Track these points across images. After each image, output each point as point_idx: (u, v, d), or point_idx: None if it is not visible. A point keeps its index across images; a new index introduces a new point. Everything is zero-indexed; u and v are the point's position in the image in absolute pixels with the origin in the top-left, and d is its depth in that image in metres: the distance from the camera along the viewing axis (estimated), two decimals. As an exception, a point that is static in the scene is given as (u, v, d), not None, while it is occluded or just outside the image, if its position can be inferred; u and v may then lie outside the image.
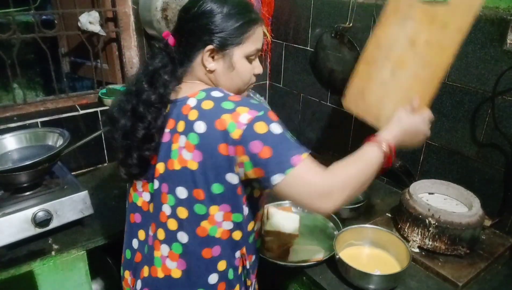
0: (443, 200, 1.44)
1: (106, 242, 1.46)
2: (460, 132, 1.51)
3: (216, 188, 0.94)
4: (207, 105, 0.93)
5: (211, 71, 1.00)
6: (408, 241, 1.36)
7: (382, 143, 0.98)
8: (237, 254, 1.03)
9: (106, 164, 1.98)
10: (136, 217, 1.09)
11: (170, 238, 1.00)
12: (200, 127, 0.92)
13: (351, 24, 1.78)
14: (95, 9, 1.87)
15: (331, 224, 1.50)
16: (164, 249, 1.01)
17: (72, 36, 2.03)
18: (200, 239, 0.98)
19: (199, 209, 0.96)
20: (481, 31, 1.37)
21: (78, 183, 1.50)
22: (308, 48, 2.04)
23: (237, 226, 1.00)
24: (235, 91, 1.03)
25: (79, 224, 1.47)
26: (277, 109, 2.37)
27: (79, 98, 1.95)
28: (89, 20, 1.82)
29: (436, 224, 1.28)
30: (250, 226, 1.04)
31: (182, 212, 0.97)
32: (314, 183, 0.88)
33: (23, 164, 1.32)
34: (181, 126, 0.95)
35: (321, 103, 2.07)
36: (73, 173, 1.71)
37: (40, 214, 1.34)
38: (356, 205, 1.55)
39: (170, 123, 0.97)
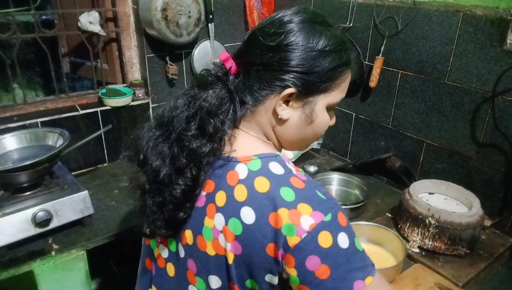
0: (443, 200, 1.44)
1: (106, 242, 1.46)
2: (460, 132, 1.51)
3: (249, 283, 0.76)
4: (262, 186, 0.72)
5: (282, 121, 0.78)
6: (408, 241, 1.36)
7: None
8: None
9: (106, 164, 1.98)
10: (152, 266, 0.93)
11: None
12: (248, 215, 0.71)
13: (351, 24, 1.78)
14: (95, 9, 1.87)
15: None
16: None
17: (72, 36, 2.03)
18: None
19: None
20: (481, 31, 1.37)
21: (78, 183, 1.50)
22: (308, 48, 2.04)
23: None
24: (298, 148, 0.86)
25: (79, 224, 1.47)
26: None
27: (79, 98, 1.95)
28: (89, 20, 1.82)
29: (436, 224, 1.28)
30: None
31: None
32: None
33: (23, 164, 1.32)
34: (221, 198, 0.75)
35: (321, 103, 2.07)
36: (73, 173, 1.71)
37: (40, 214, 1.34)
38: (356, 205, 1.55)
39: (209, 184, 0.77)
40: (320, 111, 0.79)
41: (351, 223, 0.74)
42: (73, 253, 1.39)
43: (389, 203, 1.64)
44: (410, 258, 1.31)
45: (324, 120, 0.81)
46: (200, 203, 0.78)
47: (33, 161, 1.33)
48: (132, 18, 1.96)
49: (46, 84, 2.90)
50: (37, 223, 1.34)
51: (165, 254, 0.88)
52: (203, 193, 0.78)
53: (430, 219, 1.29)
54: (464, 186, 1.44)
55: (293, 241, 0.68)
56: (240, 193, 0.73)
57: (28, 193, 1.41)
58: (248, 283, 0.76)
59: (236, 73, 0.79)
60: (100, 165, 1.96)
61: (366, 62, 1.77)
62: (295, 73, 0.73)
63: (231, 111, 0.77)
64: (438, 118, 1.57)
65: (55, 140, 1.54)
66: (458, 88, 1.49)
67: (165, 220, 0.78)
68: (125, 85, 2.05)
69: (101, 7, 1.91)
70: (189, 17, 1.87)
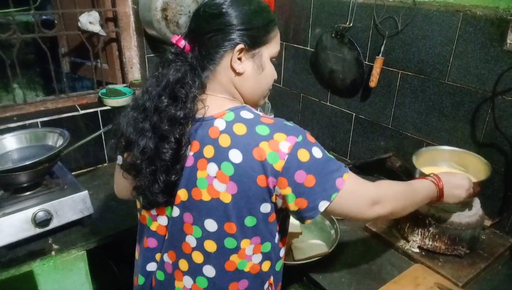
0: (443, 200, 1.44)
1: (106, 242, 1.46)
2: (460, 132, 1.51)
3: (249, 221, 0.88)
4: (240, 129, 0.85)
5: (239, 74, 0.90)
6: (408, 241, 1.36)
7: (431, 177, 1.09)
8: (266, 285, 0.98)
9: (106, 164, 1.98)
10: (150, 242, 1.01)
11: (195, 270, 0.94)
12: (236, 156, 0.83)
13: (351, 24, 1.78)
14: (95, 9, 1.87)
15: (327, 222, 1.51)
16: (187, 281, 0.95)
17: (72, 36, 2.03)
18: (228, 273, 0.92)
19: (229, 243, 0.90)
20: (481, 31, 1.37)
21: (78, 183, 1.50)
22: (308, 48, 2.04)
23: (266, 256, 0.94)
24: (257, 98, 0.97)
25: (79, 224, 1.47)
26: (277, 109, 2.37)
27: (79, 98, 1.95)
28: (89, 20, 1.82)
29: (436, 224, 1.28)
30: (279, 253, 0.99)
31: (211, 246, 0.91)
32: (364, 193, 0.91)
33: (23, 164, 1.32)
34: (209, 151, 0.86)
35: (321, 103, 2.07)
36: (73, 173, 1.71)
37: (40, 214, 1.34)
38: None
39: (194, 145, 0.88)
40: (267, 61, 0.93)
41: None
42: (73, 253, 1.39)
43: (389, 203, 1.64)
44: (410, 258, 1.31)
45: (270, 69, 0.95)
46: (189, 163, 0.89)
47: (33, 161, 1.34)
48: (132, 18, 1.96)
49: (46, 84, 2.90)
50: (37, 223, 1.34)
51: (164, 221, 0.97)
52: (191, 154, 0.89)
53: (430, 219, 1.29)
54: (464, 186, 1.44)
55: (279, 165, 0.82)
56: (225, 140, 0.85)
57: (28, 193, 1.41)
58: (247, 220, 0.88)
59: (190, 49, 0.90)
60: (100, 165, 1.96)
61: (366, 62, 1.77)
62: (240, 31, 0.87)
63: (195, 78, 0.88)
64: (438, 118, 1.57)
65: (55, 140, 1.54)
66: (458, 88, 1.48)
67: (160, 187, 0.88)
68: (125, 85, 2.05)
69: (101, 7, 1.92)
70: (189, 17, 1.86)
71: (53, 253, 1.35)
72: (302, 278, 1.28)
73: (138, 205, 1.04)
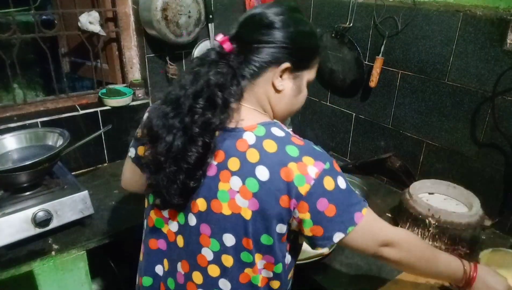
0: (443, 200, 1.45)
1: (106, 242, 1.46)
2: (460, 132, 1.51)
3: (265, 239, 0.86)
4: (270, 147, 0.83)
5: (278, 91, 0.89)
6: (408, 241, 1.36)
7: (467, 262, 1.01)
8: None
9: (106, 164, 1.98)
10: (160, 244, 0.98)
11: (211, 284, 0.92)
12: (263, 173, 0.81)
13: (351, 24, 1.78)
14: (95, 9, 1.87)
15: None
16: None
17: (72, 36, 2.03)
18: (241, 285, 0.91)
19: (245, 257, 0.88)
20: (481, 31, 1.37)
21: (78, 183, 1.50)
22: (308, 48, 2.04)
23: (276, 276, 0.91)
24: (286, 117, 0.97)
25: (79, 224, 1.47)
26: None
27: (79, 98, 1.95)
28: (89, 20, 1.82)
29: (436, 224, 1.28)
30: (289, 275, 0.97)
31: (228, 260, 0.89)
32: (378, 232, 0.89)
33: (23, 164, 1.32)
34: (234, 164, 0.84)
35: (321, 103, 2.07)
36: (73, 173, 1.71)
37: (40, 214, 1.34)
38: (356, 205, 1.55)
39: (219, 155, 0.85)
40: (305, 85, 0.94)
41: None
42: (73, 253, 1.39)
43: (389, 203, 1.64)
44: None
45: (305, 93, 0.96)
46: (211, 172, 0.86)
47: (33, 161, 1.33)
48: (132, 18, 1.96)
49: (46, 84, 2.89)
50: (37, 223, 1.34)
51: (174, 227, 0.94)
52: (214, 163, 0.86)
53: (430, 219, 1.29)
54: (464, 186, 1.44)
55: (304, 189, 0.81)
56: (253, 155, 0.83)
57: (28, 193, 1.41)
58: (263, 238, 0.86)
59: (235, 52, 0.87)
60: (100, 165, 1.96)
61: (366, 62, 1.77)
62: (290, 50, 0.86)
63: (235, 86, 0.86)
64: (438, 118, 1.57)
65: (55, 140, 1.54)
66: (458, 88, 1.49)
67: (178, 189, 0.85)
68: (125, 85, 2.05)
69: (101, 7, 1.91)
70: (189, 17, 1.87)
71: (53, 253, 1.35)
72: (302, 278, 1.28)
73: (146, 204, 1.02)
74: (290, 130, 0.89)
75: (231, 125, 0.86)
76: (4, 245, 1.30)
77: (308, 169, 0.81)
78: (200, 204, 0.88)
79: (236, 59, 0.86)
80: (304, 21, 0.90)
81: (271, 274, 0.91)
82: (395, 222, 1.46)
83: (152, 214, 0.98)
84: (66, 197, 1.40)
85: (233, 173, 0.84)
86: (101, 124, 1.89)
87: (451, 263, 1.00)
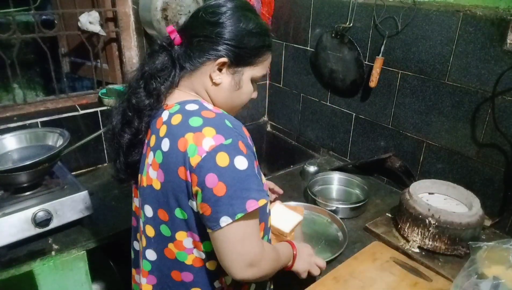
0: (443, 200, 1.44)
1: (106, 242, 1.46)
2: (460, 132, 1.51)
3: (178, 213, 0.88)
4: (176, 119, 0.87)
5: (216, 84, 0.92)
6: (408, 241, 1.36)
7: (288, 244, 1.10)
8: (216, 284, 0.96)
9: (106, 164, 1.98)
10: (133, 221, 1.09)
11: (142, 253, 0.99)
12: (166, 145, 0.86)
13: (351, 24, 1.78)
14: (95, 9, 1.87)
15: (334, 225, 1.50)
16: (141, 263, 1.01)
17: (72, 36, 2.03)
18: (168, 260, 0.94)
19: (164, 230, 0.92)
20: (481, 31, 1.37)
21: (78, 183, 1.50)
22: (308, 48, 2.04)
23: (210, 255, 0.91)
24: (228, 110, 0.96)
25: (79, 224, 1.47)
26: (277, 109, 2.37)
27: (79, 98, 1.95)
28: (89, 20, 1.82)
29: (436, 224, 1.28)
30: None
31: (150, 231, 0.95)
32: (249, 250, 0.84)
33: (23, 164, 1.32)
34: (152, 140, 0.91)
35: (321, 103, 2.07)
36: (73, 173, 1.71)
37: (40, 214, 1.34)
38: (357, 205, 1.55)
39: (148, 134, 0.94)
40: (246, 81, 0.95)
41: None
42: (73, 253, 1.39)
43: (389, 203, 1.64)
44: (410, 258, 1.31)
45: (248, 89, 0.97)
46: (144, 150, 0.95)
47: (33, 161, 1.33)
48: (132, 18, 1.96)
49: (46, 84, 2.89)
50: (37, 223, 1.34)
51: (138, 203, 1.02)
52: (146, 141, 0.94)
53: (430, 219, 1.29)
54: (464, 186, 1.44)
55: (195, 160, 0.80)
56: (162, 130, 0.88)
57: (28, 193, 1.41)
58: (177, 212, 0.88)
59: (180, 44, 0.92)
60: (100, 165, 1.96)
61: (366, 62, 1.77)
62: (228, 46, 0.89)
63: (171, 74, 0.91)
64: (438, 118, 1.57)
65: (55, 140, 1.54)
66: (458, 88, 1.49)
67: (120, 164, 0.98)
68: (125, 85, 2.05)
69: (101, 7, 1.92)
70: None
71: (53, 253, 1.35)
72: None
73: None
74: (214, 108, 0.91)
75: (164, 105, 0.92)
76: (4, 245, 1.30)
77: (204, 140, 0.81)
78: (139, 179, 0.96)
79: (177, 51, 0.92)
80: (249, 19, 0.90)
81: (203, 255, 0.91)
82: (395, 222, 1.46)
83: (133, 195, 1.07)
84: (66, 197, 1.40)
85: (151, 149, 0.90)
86: (101, 124, 1.89)
87: (286, 253, 1.05)
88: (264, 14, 2.15)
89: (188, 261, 0.92)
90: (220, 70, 0.91)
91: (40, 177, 1.45)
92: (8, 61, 1.74)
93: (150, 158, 0.90)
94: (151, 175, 0.90)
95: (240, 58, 0.90)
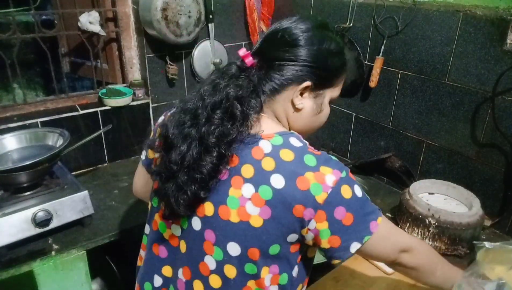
0: (443, 200, 1.45)
1: (106, 242, 1.46)
2: (460, 132, 1.51)
3: (273, 249, 0.83)
4: (287, 156, 0.81)
5: (298, 109, 0.88)
6: (408, 241, 1.36)
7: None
8: None
9: (106, 164, 1.98)
10: (161, 251, 0.96)
11: None
12: (278, 181, 0.79)
13: (351, 24, 1.78)
14: (95, 9, 1.87)
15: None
16: None
17: (72, 36, 2.03)
18: None
19: (249, 268, 0.85)
20: (481, 31, 1.37)
21: (78, 183, 1.50)
22: (308, 48, 2.04)
23: (282, 288, 0.87)
24: (305, 134, 0.93)
25: (79, 224, 1.47)
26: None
27: (79, 98, 1.95)
28: (89, 20, 1.82)
29: (436, 224, 1.28)
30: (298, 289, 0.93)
31: (230, 271, 0.85)
32: (395, 240, 0.90)
33: (23, 164, 1.32)
34: (248, 171, 0.81)
35: (321, 103, 2.07)
36: (73, 173, 1.71)
37: (40, 214, 1.34)
38: (356, 205, 1.55)
39: (233, 159, 0.83)
40: (326, 103, 0.92)
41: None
42: (73, 253, 1.39)
43: (389, 203, 1.64)
44: (410, 258, 1.31)
45: (327, 111, 0.94)
46: (223, 176, 0.83)
47: (33, 161, 1.33)
48: (132, 18, 1.96)
49: (46, 84, 2.89)
50: (37, 223, 1.34)
51: (178, 232, 0.92)
52: (228, 168, 0.83)
53: (430, 219, 1.29)
54: (464, 186, 1.44)
55: (322, 197, 0.78)
56: (268, 164, 0.81)
57: (28, 193, 1.41)
58: (272, 249, 0.83)
59: (256, 67, 0.87)
60: (100, 165, 1.96)
61: (366, 62, 1.77)
62: (311, 68, 0.85)
63: (255, 99, 0.86)
64: (438, 118, 1.57)
65: (55, 140, 1.54)
66: (458, 88, 1.49)
67: (187, 199, 0.82)
68: (125, 85, 2.05)
69: (101, 7, 1.91)
70: (189, 17, 1.87)
71: (53, 253, 1.35)
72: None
73: (150, 207, 1.00)
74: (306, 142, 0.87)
75: (248, 131, 0.84)
76: (4, 245, 1.30)
77: (326, 177, 0.79)
78: (208, 208, 0.84)
79: (257, 74, 0.86)
80: (331, 38, 0.87)
81: (276, 288, 0.87)
82: (395, 222, 1.46)
83: (157, 217, 0.95)
84: (66, 197, 1.40)
85: (246, 180, 0.81)
86: (101, 124, 1.89)
87: (453, 276, 0.99)
88: (264, 14, 2.15)
89: None
90: (301, 94, 0.87)
91: (40, 177, 1.45)
92: (8, 61, 1.74)
93: (245, 191, 0.81)
94: (249, 211, 0.81)
95: (323, 81, 0.87)
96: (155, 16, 1.77)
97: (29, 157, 1.39)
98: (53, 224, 1.38)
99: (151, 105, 2.03)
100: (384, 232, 0.86)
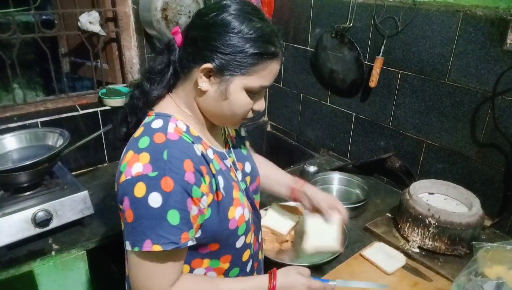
0: (443, 200, 1.44)
1: (106, 242, 1.46)
2: (460, 132, 1.51)
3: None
4: (137, 132, 0.86)
5: (201, 92, 0.86)
6: (408, 241, 1.36)
7: (267, 276, 0.94)
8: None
9: (106, 164, 1.98)
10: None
11: None
12: (123, 153, 0.86)
13: (351, 24, 1.78)
14: (95, 9, 1.87)
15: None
16: None
17: (72, 36, 2.03)
18: None
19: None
20: (481, 31, 1.37)
21: (78, 183, 1.50)
22: (308, 48, 2.04)
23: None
24: (221, 122, 0.93)
25: (79, 224, 1.47)
26: (277, 109, 2.37)
27: (79, 98, 1.95)
28: (89, 20, 1.82)
29: (436, 224, 1.28)
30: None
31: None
32: (159, 280, 0.82)
33: (23, 164, 1.32)
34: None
35: (321, 103, 2.07)
36: (73, 173, 1.71)
37: (40, 214, 1.34)
38: (357, 205, 1.55)
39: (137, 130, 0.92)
40: (236, 91, 0.85)
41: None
42: (73, 253, 1.39)
43: (389, 203, 1.64)
44: (410, 258, 1.31)
45: (240, 100, 0.86)
46: None
47: (33, 161, 1.33)
48: (132, 18, 1.96)
49: (46, 84, 2.89)
50: (37, 223, 1.34)
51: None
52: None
53: (430, 219, 1.29)
54: (464, 186, 1.44)
55: (122, 178, 0.80)
56: (131, 137, 0.87)
57: (28, 193, 1.41)
58: None
59: (180, 46, 0.87)
60: (100, 165, 1.96)
61: (366, 62, 1.77)
62: (215, 51, 0.81)
63: (164, 78, 0.89)
64: (438, 118, 1.57)
65: (55, 140, 1.54)
66: (458, 88, 1.49)
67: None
68: (125, 85, 2.05)
69: (101, 7, 1.91)
70: (189, 17, 1.87)
71: (53, 253, 1.35)
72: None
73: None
74: (174, 129, 0.85)
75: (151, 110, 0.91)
76: (4, 245, 1.30)
77: (135, 165, 0.79)
78: None
79: (178, 53, 0.87)
80: (245, 22, 0.81)
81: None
82: (395, 222, 1.46)
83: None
84: (66, 197, 1.40)
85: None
86: (101, 124, 1.89)
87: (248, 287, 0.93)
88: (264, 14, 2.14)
89: None
90: (208, 76, 0.84)
91: (40, 177, 1.45)
92: (8, 61, 1.74)
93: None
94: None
95: (226, 65, 0.81)
96: (155, 16, 1.77)
97: (29, 157, 1.39)
98: (53, 224, 1.38)
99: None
100: (153, 264, 0.81)
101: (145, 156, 0.79)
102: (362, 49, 1.76)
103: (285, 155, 2.36)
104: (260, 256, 1.11)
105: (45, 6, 2.14)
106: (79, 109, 1.85)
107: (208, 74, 0.84)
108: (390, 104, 1.73)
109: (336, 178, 1.79)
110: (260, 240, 1.10)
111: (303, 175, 1.86)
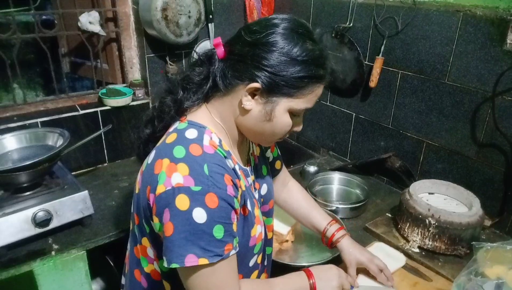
0: (443, 200, 1.44)
1: (106, 242, 1.46)
2: (460, 132, 1.51)
3: (146, 226, 0.86)
4: (170, 138, 0.83)
5: (244, 111, 0.83)
6: (408, 241, 1.36)
7: (305, 274, 0.97)
8: None
9: (106, 164, 1.98)
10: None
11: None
12: (151, 157, 0.83)
13: (351, 24, 1.78)
14: (95, 9, 1.87)
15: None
16: None
17: (72, 36, 2.03)
18: (135, 259, 0.94)
19: (135, 229, 0.91)
20: (481, 31, 1.37)
21: (78, 183, 1.50)
22: (308, 48, 2.04)
23: (167, 277, 0.88)
24: (260, 139, 0.91)
25: (79, 224, 1.47)
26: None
27: (79, 98, 1.95)
28: (89, 20, 1.82)
29: (436, 224, 1.28)
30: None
31: (132, 224, 0.94)
32: None
33: (23, 164, 1.32)
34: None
35: (321, 103, 2.07)
36: (73, 173, 1.71)
37: (40, 214, 1.34)
38: (357, 205, 1.55)
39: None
40: (281, 113, 0.83)
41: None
42: (73, 253, 1.39)
43: (389, 203, 1.64)
44: (410, 258, 1.31)
45: (283, 122, 0.85)
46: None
47: (33, 161, 1.33)
48: (132, 18, 1.96)
49: (46, 84, 2.89)
50: (37, 223, 1.34)
51: None
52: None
53: (430, 219, 1.29)
54: (464, 186, 1.44)
55: (159, 189, 0.76)
56: (160, 142, 0.87)
57: (28, 193, 1.41)
58: (144, 222, 0.85)
59: (223, 59, 0.85)
60: (100, 165, 1.96)
61: (366, 62, 1.77)
62: (264, 71, 0.79)
63: (202, 89, 0.87)
64: (438, 118, 1.57)
65: (55, 140, 1.53)
66: (458, 88, 1.49)
67: (142, 154, 0.94)
68: (125, 85, 2.05)
69: (101, 7, 1.91)
70: (189, 17, 1.87)
71: (53, 253, 1.35)
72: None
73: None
74: (209, 142, 0.83)
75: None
76: (4, 245, 1.30)
77: (174, 175, 0.75)
78: None
79: (219, 66, 0.85)
80: (297, 43, 0.79)
81: (159, 271, 0.88)
82: (395, 222, 1.46)
83: None
84: (66, 197, 1.40)
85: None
86: (101, 124, 1.89)
87: (293, 284, 0.95)
88: (264, 14, 2.15)
89: (147, 269, 0.90)
90: (253, 95, 0.82)
91: (40, 177, 1.45)
92: (8, 61, 1.74)
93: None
94: (138, 179, 0.88)
95: (274, 87, 0.79)
96: (155, 16, 1.77)
97: (29, 157, 1.39)
98: (53, 224, 1.38)
99: (151, 105, 2.03)
100: (204, 281, 0.77)
101: (184, 167, 0.76)
102: (362, 49, 1.76)
103: (285, 155, 2.34)
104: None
105: (45, 6, 2.14)
106: (79, 109, 1.85)
107: (254, 93, 0.82)
108: (390, 104, 1.73)
109: (336, 178, 1.79)
110: (266, 263, 1.09)
111: (303, 175, 1.86)
